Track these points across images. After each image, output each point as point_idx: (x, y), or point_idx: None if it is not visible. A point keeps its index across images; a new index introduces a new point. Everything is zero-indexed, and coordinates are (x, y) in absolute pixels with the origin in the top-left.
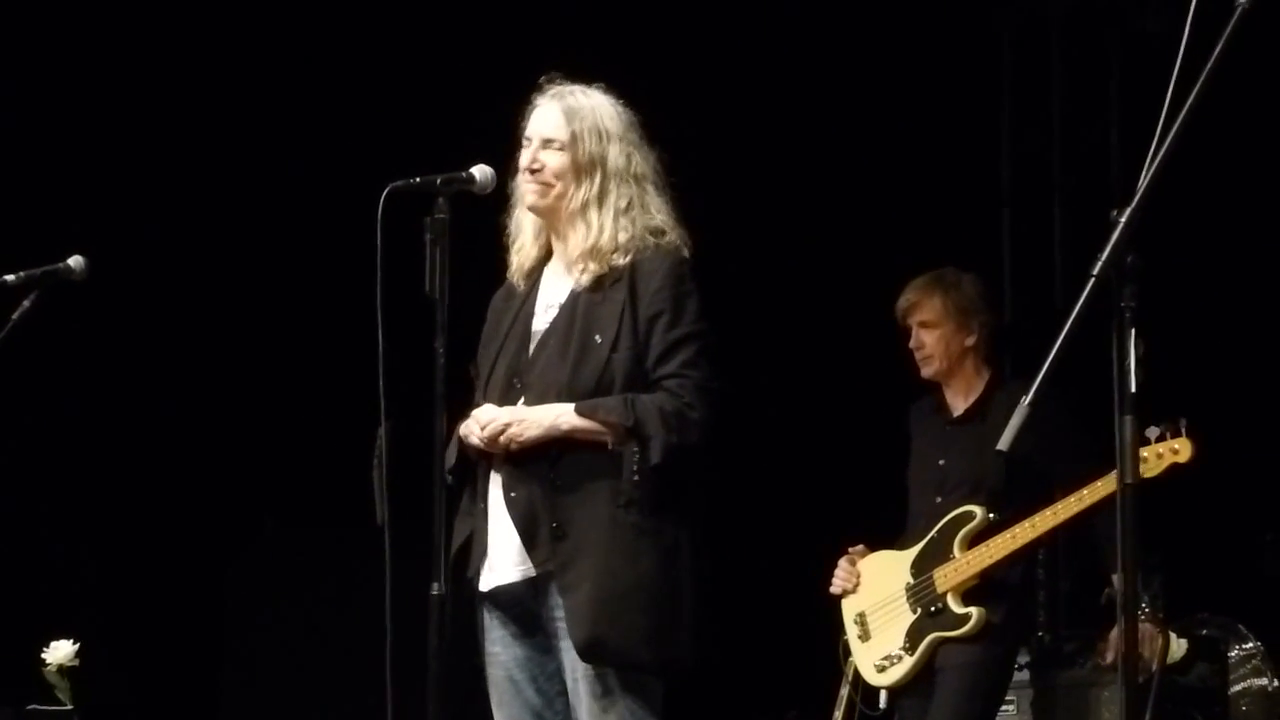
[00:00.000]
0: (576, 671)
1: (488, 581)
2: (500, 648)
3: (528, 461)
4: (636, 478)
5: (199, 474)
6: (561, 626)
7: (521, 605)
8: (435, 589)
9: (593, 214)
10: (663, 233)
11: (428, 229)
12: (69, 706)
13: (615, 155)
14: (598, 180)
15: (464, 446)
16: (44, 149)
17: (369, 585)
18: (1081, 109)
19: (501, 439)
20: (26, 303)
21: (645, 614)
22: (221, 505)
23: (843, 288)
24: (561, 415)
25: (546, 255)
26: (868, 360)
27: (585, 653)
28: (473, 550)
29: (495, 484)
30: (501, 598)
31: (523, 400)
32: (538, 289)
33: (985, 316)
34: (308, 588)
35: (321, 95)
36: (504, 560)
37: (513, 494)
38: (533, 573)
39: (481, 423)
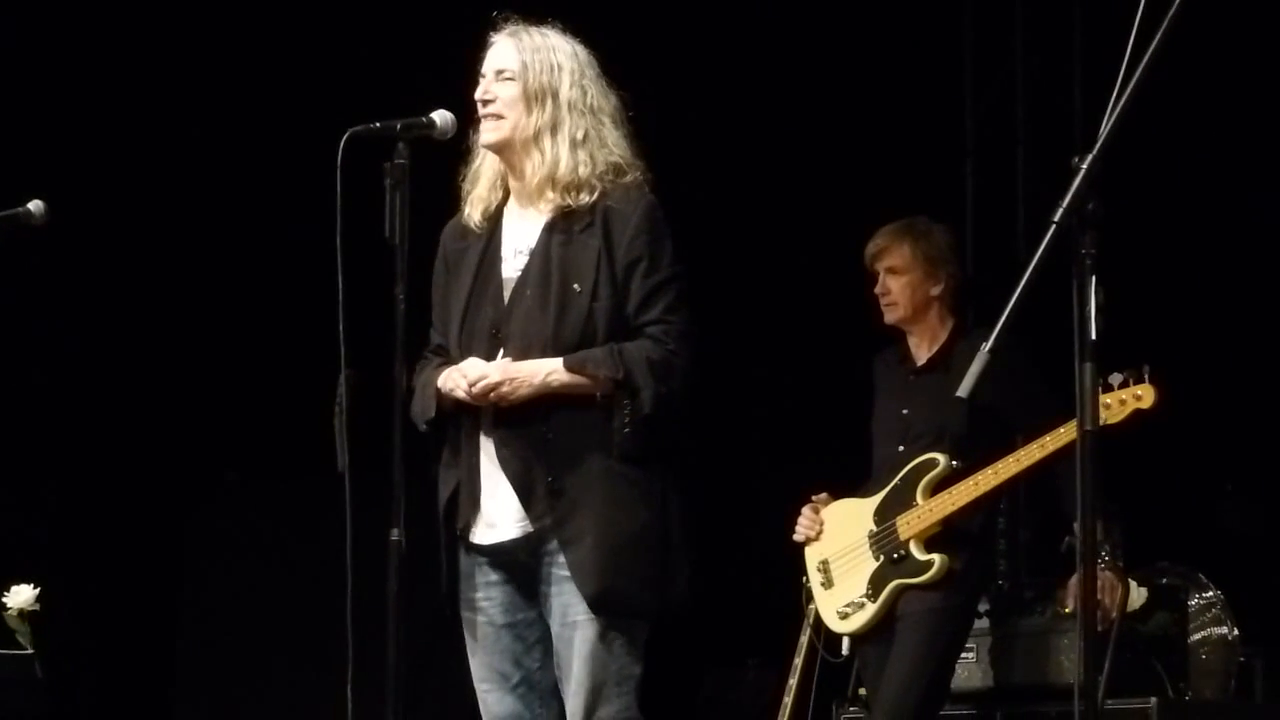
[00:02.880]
0: (568, 617)
1: (486, 537)
2: (485, 593)
3: (518, 418)
4: (628, 429)
5: (160, 421)
6: (557, 575)
7: (515, 558)
8: (394, 535)
9: (545, 142)
10: (625, 169)
11: (387, 174)
12: (29, 650)
13: (568, 87)
14: (549, 109)
15: (441, 397)
16: (3, 92)
17: (328, 533)
18: (1044, 61)
19: (491, 396)
20: None
21: (646, 563)
22: (181, 452)
23: (806, 240)
24: (553, 373)
25: (504, 200)
26: (830, 312)
27: (596, 604)
28: (461, 503)
29: (485, 439)
30: (496, 552)
31: (503, 352)
32: (500, 233)
33: (953, 268)
34: (266, 535)
35: (281, 40)
36: (503, 518)
37: (506, 451)
38: (530, 529)
39: (470, 379)
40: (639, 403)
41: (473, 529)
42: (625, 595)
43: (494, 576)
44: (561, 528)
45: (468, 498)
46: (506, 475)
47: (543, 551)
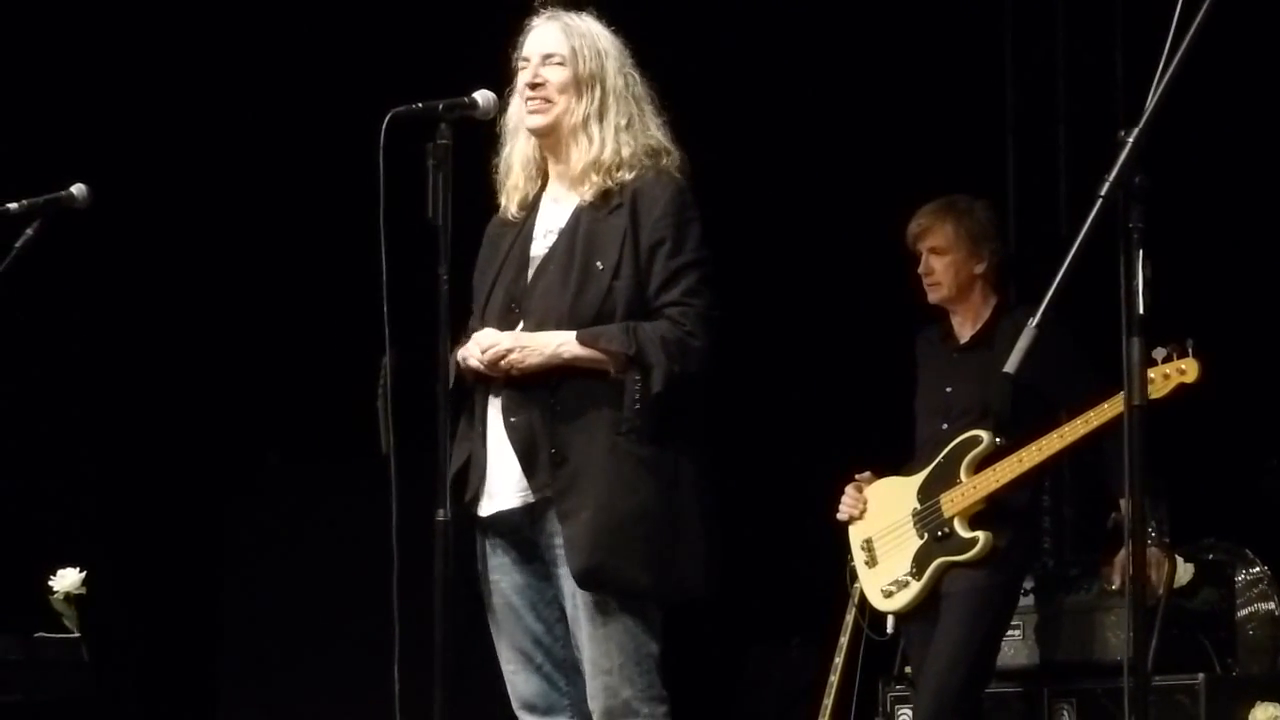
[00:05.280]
0: (576, 598)
1: (487, 508)
2: (499, 574)
3: (528, 387)
4: (638, 406)
5: (203, 404)
6: (559, 554)
7: (519, 532)
8: (440, 515)
9: (594, 128)
10: (661, 154)
11: (430, 154)
12: (76, 634)
13: (614, 73)
14: (598, 95)
15: (460, 370)
16: (45, 75)
17: (369, 514)
18: (1085, 36)
19: (502, 364)
20: (29, 231)
21: (644, 542)
22: (224, 435)
23: (848, 216)
24: (564, 344)
25: (542, 187)
26: (872, 288)
27: (583, 580)
28: (470, 474)
29: (494, 409)
30: (500, 524)
31: (521, 326)
32: (536, 216)
33: (995, 244)
34: (309, 517)
35: (324, 20)
36: (504, 487)
37: (513, 419)
38: (531, 499)
39: (482, 346)
40: (650, 381)
41: (480, 501)
42: (616, 573)
43: (507, 558)
44: (561, 500)
45: (476, 468)
46: (512, 443)
47: (549, 530)
